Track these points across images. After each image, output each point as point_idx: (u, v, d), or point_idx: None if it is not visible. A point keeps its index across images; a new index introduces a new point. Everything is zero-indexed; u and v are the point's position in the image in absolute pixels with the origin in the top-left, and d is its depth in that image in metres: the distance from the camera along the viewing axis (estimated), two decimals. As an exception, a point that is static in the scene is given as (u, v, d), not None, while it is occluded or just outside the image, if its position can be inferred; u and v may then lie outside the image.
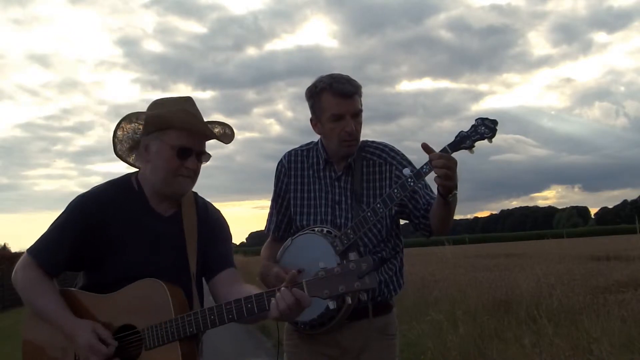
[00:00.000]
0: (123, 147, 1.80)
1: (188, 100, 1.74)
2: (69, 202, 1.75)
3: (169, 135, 1.68)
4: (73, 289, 1.77)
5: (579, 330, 4.82)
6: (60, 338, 1.66)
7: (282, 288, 1.48)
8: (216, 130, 1.77)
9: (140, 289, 1.64)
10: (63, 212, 1.74)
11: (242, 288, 1.70)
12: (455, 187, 1.84)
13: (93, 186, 1.80)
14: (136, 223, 1.72)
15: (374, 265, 1.42)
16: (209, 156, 1.76)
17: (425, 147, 1.81)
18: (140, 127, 1.76)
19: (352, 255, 1.48)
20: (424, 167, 1.84)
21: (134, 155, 1.82)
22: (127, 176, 1.81)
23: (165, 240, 1.73)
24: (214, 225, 1.83)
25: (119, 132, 1.78)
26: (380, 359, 2.06)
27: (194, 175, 1.73)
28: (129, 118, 1.77)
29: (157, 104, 1.74)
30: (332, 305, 1.46)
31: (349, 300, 1.46)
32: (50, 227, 1.73)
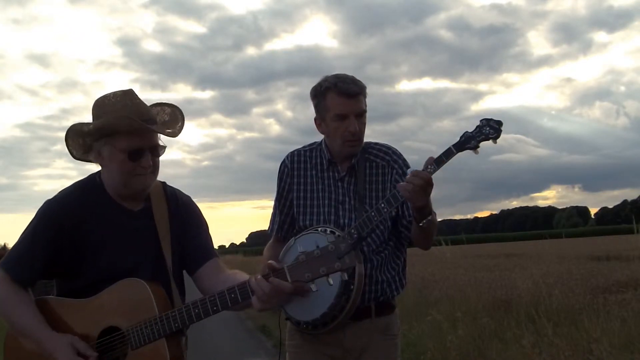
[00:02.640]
0: (78, 153, 1.75)
1: (128, 95, 1.67)
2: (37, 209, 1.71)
3: (117, 141, 1.64)
4: (50, 297, 1.74)
5: (579, 330, 4.82)
6: (40, 354, 1.64)
7: (258, 277, 1.49)
8: (167, 112, 1.74)
9: (121, 289, 1.63)
10: (32, 220, 1.71)
11: (227, 276, 1.69)
12: (429, 214, 1.86)
13: (59, 191, 1.76)
14: (107, 222, 1.70)
15: (352, 245, 1.43)
16: (163, 148, 1.72)
17: (427, 162, 1.81)
18: (88, 136, 1.70)
19: (330, 237, 1.49)
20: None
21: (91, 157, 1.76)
22: (92, 176, 1.78)
23: (138, 235, 1.71)
24: (186, 214, 1.80)
25: (70, 141, 1.72)
26: (382, 359, 2.07)
27: (153, 170, 1.69)
28: (74, 131, 1.71)
29: (98, 106, 1.68)
30: (314, 287, 1.46)
31: (330, 281, 1.46)
32: (21, 237, 1.70)
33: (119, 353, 1.63)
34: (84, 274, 1.68)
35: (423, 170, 1.82)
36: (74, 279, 1.70)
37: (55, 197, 1.74)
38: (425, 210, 1.86)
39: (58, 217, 1.68)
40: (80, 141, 1.73)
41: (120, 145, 1.64)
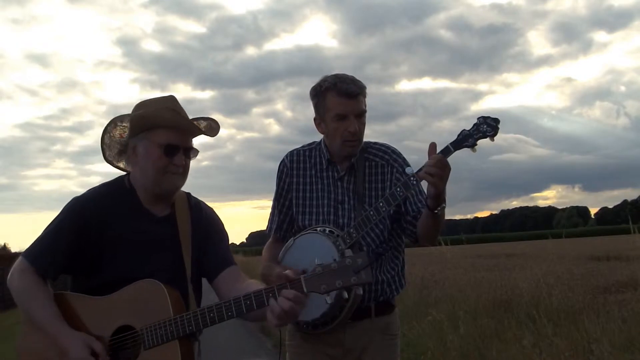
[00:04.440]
0: (112, 152, 1.81)
1: (172, 99, 1.75)
2: (64, 205, 1.74)
3: (155, 134, 1.70)
4: (68, 292, 1.75)
5: (579, 330, 4.81)
6: (55, 349, 1.65)
7: (279, 291, 1.48)
8: (202, 125, 1.78)
9: (138, 289, 1.65)
10: (58, 215, 1.74)
11: (245, 285, 1.71)
12: (444, 200, 1.86)
13: (88, 189, 1.80)
14: (131, 224, 1.72)
15: (369, 261, 1.45)
16: (196, 152, 1.77)
17: (431, 147, 1.82)
18: (126, 129, 1.76)
19: (348, 252, 1.50)
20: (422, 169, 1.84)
21: (123, 160, 1.83)
22: (121, 178, 1.82)
23: (160, 241, 1.74)
24: (207, 224, 1.84)
25: (106, 138, 1.79)
26: (382, 359, 2.07)
27: (183, 171, 1.73)
28: (114, 122, 1.78)
29: (141, 105, 1.75)
30: (329, 300, 1.48)
31: (345, 294, 1.47)
32: (46, 230, 1.73)
33: (132, 352, 1.64)
34: (101, 273, 1.70)
35: (416, 171, 1.85)
36: (92, 277, 1.71)
37: (83, 194, 1.77)
38: (442, 196, 1.84)
39: (84, 215, 1.70)
40: (117, 135, 1.78)
41: (159, 139, 1.69)
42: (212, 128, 1.79)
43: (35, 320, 1.69)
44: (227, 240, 1.90)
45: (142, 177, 1.74)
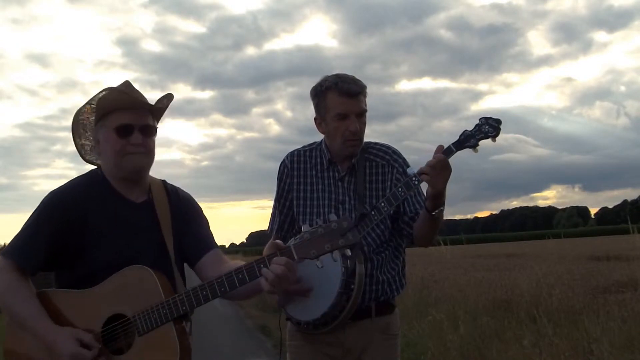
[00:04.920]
0: (88, 150, 1.81)
1: (124, 84, 1.76)
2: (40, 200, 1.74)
3: (109, 120, 1.70)
4: (51, 289, 1.73)
5: (579, 330, 4.82)
6: (44, 348, 1.63)
7: (270, 260, 1.51)
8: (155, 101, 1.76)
9: (125, 276, 1.64)
10: (36, 210, 1.72)
11: (230, 266, 1.69)
12: (443, 203, 1.87)
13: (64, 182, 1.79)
14: (110, 212, 1.72)
15: (354, 222, 1.46)
16: (155, 129, 1.75)
17: (438, 149, 1.83)
18: (91, 123, 1.78)
19: (332, 217, 1.53)
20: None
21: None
22: (95, 170, 1.81)
23: (141, 226, 1.74)
24: (186, 207, 1.84)
25: (77, 140, 1.80)
26: (382, 359, 2.07)
27: (145, 151, 1.72)
28: (76, 122, 1.78)
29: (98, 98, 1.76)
30: (319, 264, 1.50)
31: (335, 256, 1.52)
32: (24, 226, 1.71)
33: (125, 340, 1.63)
34: (85, 264, 1.69)
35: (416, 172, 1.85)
36: (75, 269, 1.70)
37: (59, 188, 1.76)
38: (441, 199, 1.86)
39: (62, 208, 1.70)
40: (87, 134, 1.79)
41: (111, 124, 1.69)
42: (160, 100, 1.77)
43: (19, 318, 1.66)
44: (207, 223, 1.88)
45: (106, 164, 1.75)
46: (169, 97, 1.77)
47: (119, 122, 1.68)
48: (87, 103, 1.78)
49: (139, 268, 1.64)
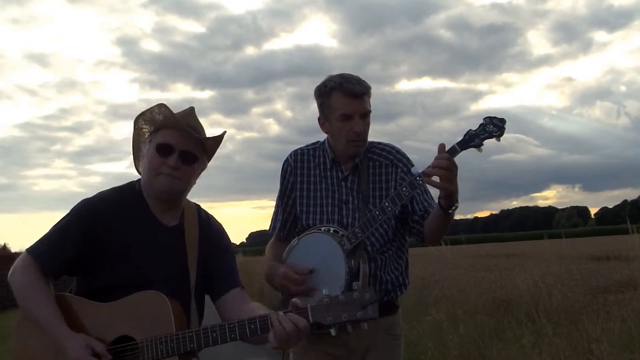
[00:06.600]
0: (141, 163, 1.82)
1: (188, 109, 1.76)
2: (73, 205, 1.75)
3: (155, 136, 1.73)
4: (69, 294, 1.75)
5: (579, 330, 4.82)
6: (52, 348, 1.63)
7: (280, 314, 1.49)
8: (206, 136, 1.76)
9: (141, 300, 1.63)
10: (67, 215, 1.73)
11: (250, 308, 1.70)
12: (457, 200, 1.86)
13: (98, 191, 1.80)
14: (139, 231, 1.72)
15: (377, 297, 1.45)
16: (195, 157, 1.72)
17: (440, 148, 1.82)
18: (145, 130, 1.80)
19: (356, 285, 1.51)
20: (428, 168, 1.85)
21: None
22: (132, 183, 1.81)
23: (166, 250, 1.73)
24: (216, 238, 1.84)
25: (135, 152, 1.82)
26: (386, 359, 2.08)
27: (178, 175, 1.70)
28: (137, 130, 1.79)
29: None
30: (334, 332, 1.47)
31: (349, 328, 1.47)
32: (53, 228, 1.72)
33: None
34: (104, 276, 1.69)
35: (422, 171, 1.84)
36: (95, 279, 1.71)
37: (93, 197, 1.77)
38: (455, 196, 1.85)
39: (91, 217, 1.70)
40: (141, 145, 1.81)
41: (157, 140, 1.71)
42: (212, 139, 1.77)
43: (35, 317, 1.67)
44: (234, 258, 1.88)
45: (143, 180, 1.76)
46: (222, 134, 1.78)
47: (162, 139, 1.70)
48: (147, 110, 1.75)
49: (155, 294, 1.63)
